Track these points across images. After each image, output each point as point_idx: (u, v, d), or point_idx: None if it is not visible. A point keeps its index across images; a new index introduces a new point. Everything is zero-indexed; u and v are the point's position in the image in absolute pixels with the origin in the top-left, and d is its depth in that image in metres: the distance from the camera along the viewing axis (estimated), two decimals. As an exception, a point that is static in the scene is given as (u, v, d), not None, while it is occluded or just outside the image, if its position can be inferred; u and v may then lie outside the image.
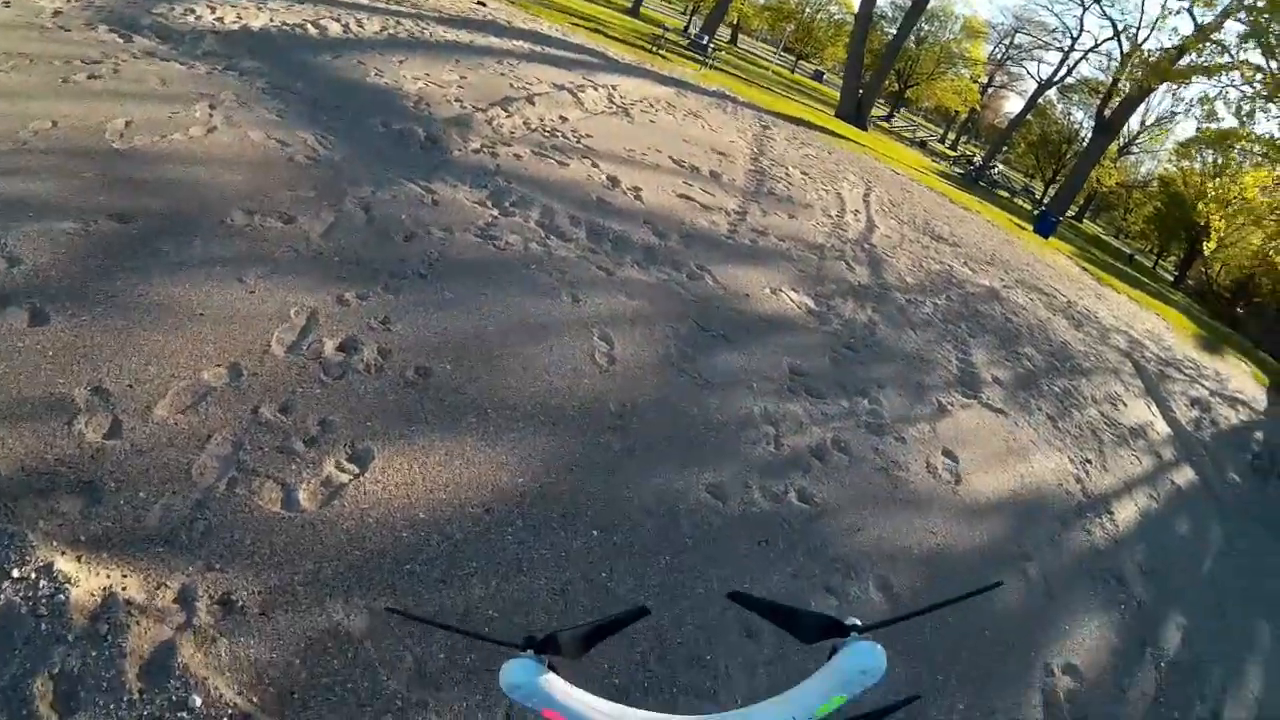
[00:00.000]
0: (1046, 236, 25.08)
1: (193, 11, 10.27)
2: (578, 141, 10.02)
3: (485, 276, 5.84)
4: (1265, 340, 37.18)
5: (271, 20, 11.02)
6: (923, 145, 55.28)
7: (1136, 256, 60.14)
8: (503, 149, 8.79)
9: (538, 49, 15.90)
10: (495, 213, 7.05)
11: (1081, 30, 59.53)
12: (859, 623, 1.13)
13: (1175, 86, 25.36)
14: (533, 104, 10.93)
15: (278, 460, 3.58)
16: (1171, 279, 58.90)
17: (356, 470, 3.68)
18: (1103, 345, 12.12)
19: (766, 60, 68.43)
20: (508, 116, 10.00)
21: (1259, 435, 12.50)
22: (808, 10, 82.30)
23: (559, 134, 10.09)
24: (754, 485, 4.66)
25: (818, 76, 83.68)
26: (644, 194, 8.92)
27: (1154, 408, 10.44)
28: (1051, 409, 8.14)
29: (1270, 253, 23.50)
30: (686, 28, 51.47)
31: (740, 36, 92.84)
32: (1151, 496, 7.48)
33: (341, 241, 5.61)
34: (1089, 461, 7.41)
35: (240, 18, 10.65)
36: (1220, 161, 51.06)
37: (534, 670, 1.09)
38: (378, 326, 4.77)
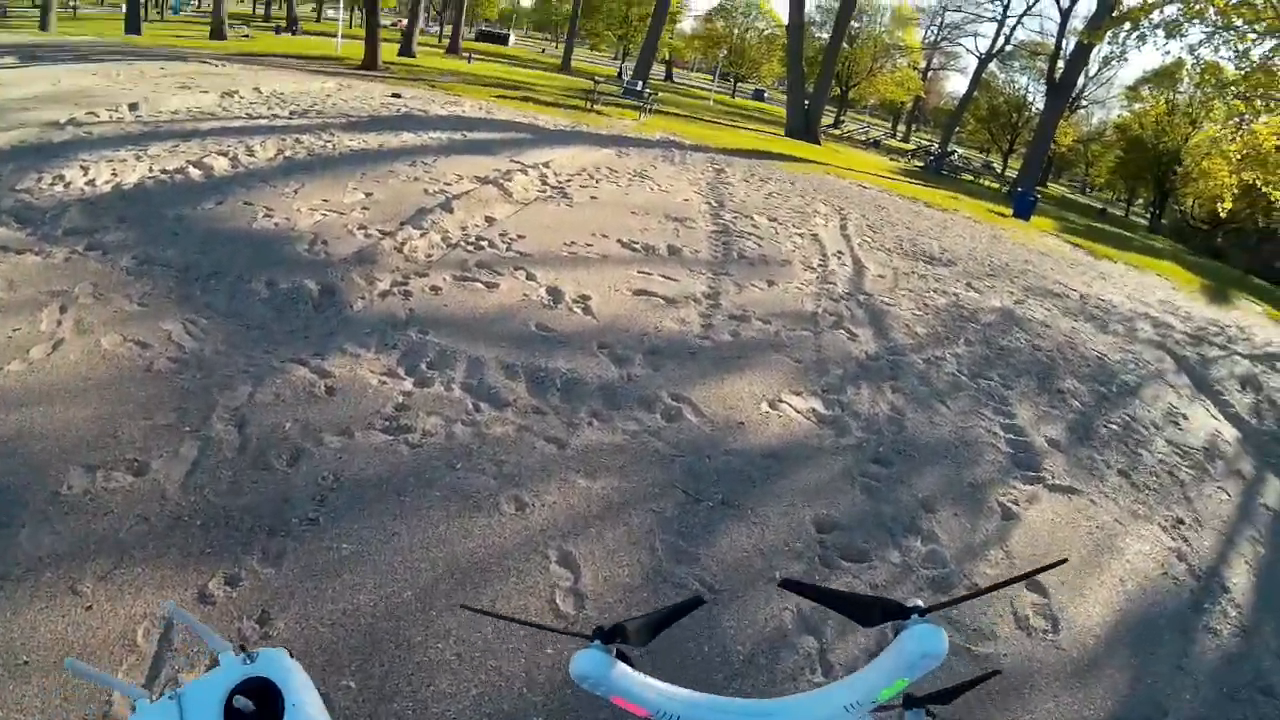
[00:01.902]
0: (1028, 218, 24.07)
1: (62, 179, 8.98)
2: (508, 248, 8.59)
3: (397, 499, 4.32)
4: (1251, 263, 40.53)
5: (150, 170, 9.73)
6: (877, 145, 54.52)
7: (1108, 209, 60.11)
8: (417, 281, 7.37)
9: (458, 137, 14.57)
10: (409, 384, 5.56)
11: None
12: (921, 604, 1.11)
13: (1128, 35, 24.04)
14: (451, 211, 9.49)
15: None
16: (1146, 223, 59.40)
17: None
18: (1135, 344, 10.75)
19: (705, 91, 67.66)
20: (421, 235, 8.57)
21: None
22: (736, 32, 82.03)
23: (485, 242, 8.66)
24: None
25: (759, 95, 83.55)
26: (594, 303, 7.46)
27: (1212, 408, 9.10)
28: (1121, 459, 6.72)
29: (1253, 181, 22.34)
30: (620, 74, 50.54)
31: (675, 71, 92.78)
32: (1255, 539, 6.09)
33: (206, 490, 4.13)
34: (1181, 522, 5.96)
35: (115, 174, 9.36)
36: (1197, 102, 51.86)
37: (603, 660, 1.11)
38: (253, 632, 3.29)
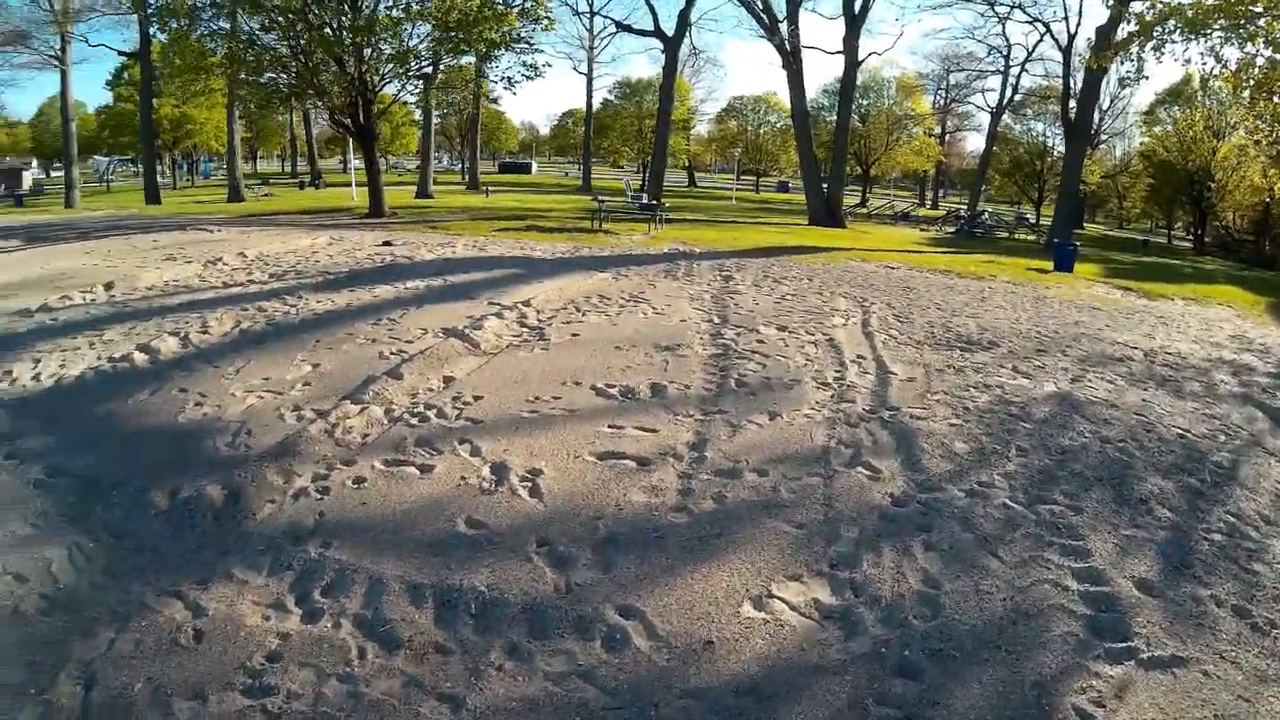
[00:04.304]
0: (1070, 269, 22.56)
1: (9, 374, 8.56)
2: (458, 415, 7.38)
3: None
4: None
5: (98, 358, 9.16)
6: (906, 217, 53.47)
7: (1149, 240, 58.53)
8: (340, 474, 6.22)
9: (437, 283, 13.64)
10: (294, 620, 4.43)
11: (1009, 46, 58.69)
12: None
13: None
14: (400, 378, 8.35)
15: None
16: (1190, 245, 58.01)
17: None
18: (1218, 404, 9.05)
19: (727, 191, 67.51)
20: (360, 412, 7.43)
21: None
22: (749, 128, 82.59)
23: (433, 411, 7.49)
24: None
25: (783, 188, 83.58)
26: (545, 479, 6.14)
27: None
28: (1232, 588, 5.05)
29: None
30: (642, 186, 50.25)
31: (697, 175, 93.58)
32: None
33: None
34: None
35: (62, 365, 8.87)
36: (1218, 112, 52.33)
37: None
38: None
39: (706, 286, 14.18)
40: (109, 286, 13.31)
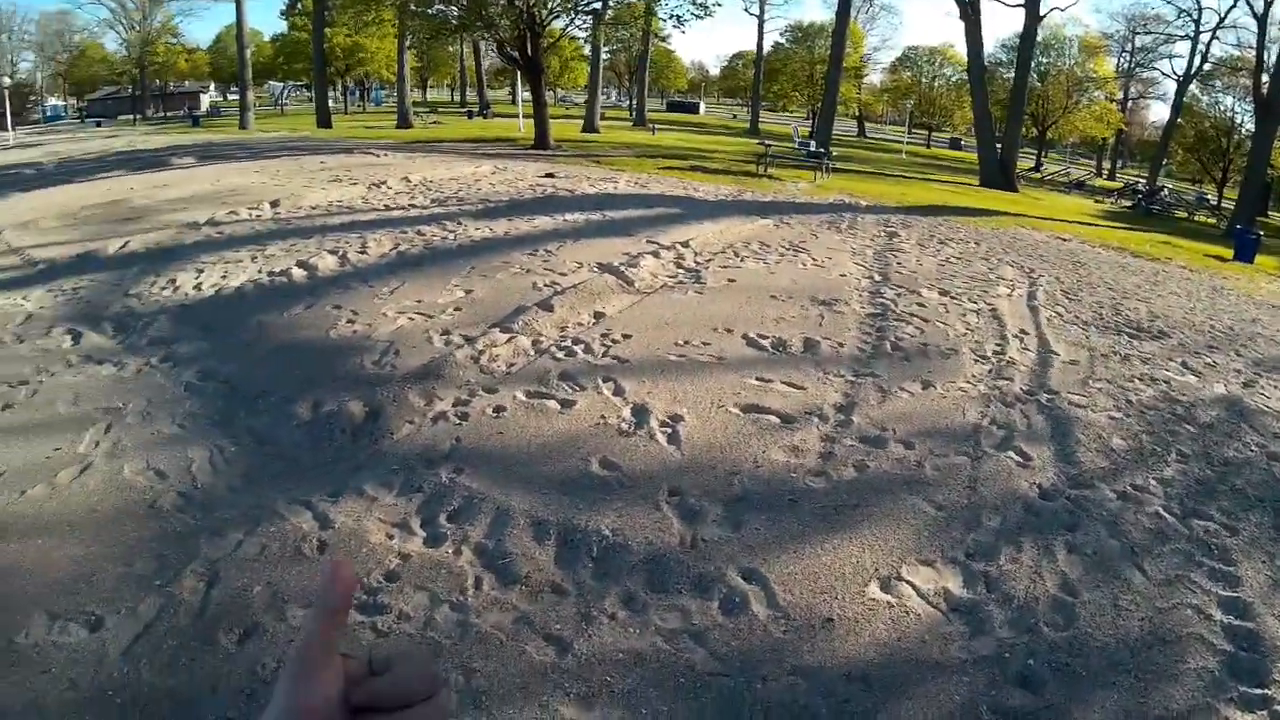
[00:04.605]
0: (1251, 259, 20.70)
1: (173, 282, 9.05)
2: (605, 353, 7.31)
3: None
4: None
5: (259, 271, 9.55)
6: (1081, 186, 50.88)
7: None
8: (481, 401, 6.27)
9: (597, 217, 13.61)
10: (416, 542, 4.48)
11: (1200, 9, 54.68)
12: None
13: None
14: (550, 310, 8.33)
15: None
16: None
17: None
18: None
19: (897, 144, 65.57)
20: (508, 340, 7.47)
21: None
22: (924, 80, 79.95)
23: (580, 346, 7.46)
24: None
25: (955, 144, 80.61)
26: (685, 426, 5.98)
27: None
28: None
29: None
30: (811, 133, 49.15)
31: (868, 125, 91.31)
32: None
33: (143, 662, 3.52)
34: None
35: (224, 277, 9.29)
36: None
37: None
38: None
39: (869, 242, 13.70)
40: (274, 204, 13.94)
